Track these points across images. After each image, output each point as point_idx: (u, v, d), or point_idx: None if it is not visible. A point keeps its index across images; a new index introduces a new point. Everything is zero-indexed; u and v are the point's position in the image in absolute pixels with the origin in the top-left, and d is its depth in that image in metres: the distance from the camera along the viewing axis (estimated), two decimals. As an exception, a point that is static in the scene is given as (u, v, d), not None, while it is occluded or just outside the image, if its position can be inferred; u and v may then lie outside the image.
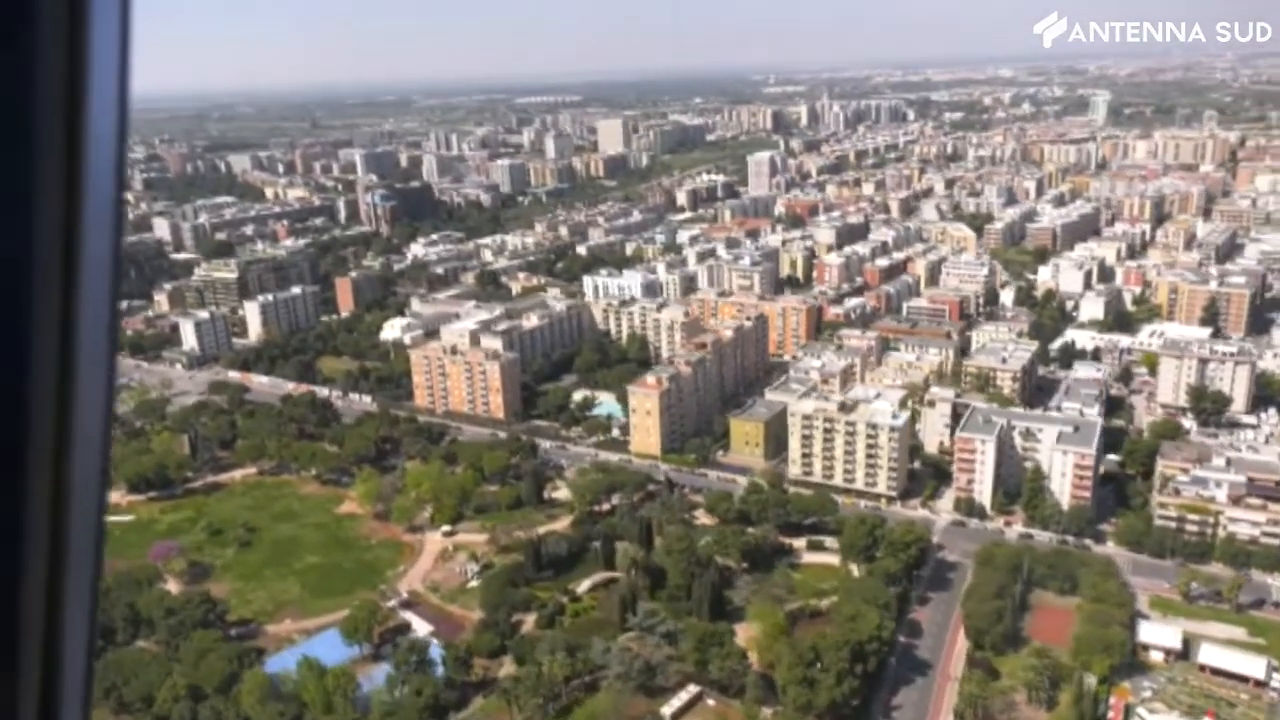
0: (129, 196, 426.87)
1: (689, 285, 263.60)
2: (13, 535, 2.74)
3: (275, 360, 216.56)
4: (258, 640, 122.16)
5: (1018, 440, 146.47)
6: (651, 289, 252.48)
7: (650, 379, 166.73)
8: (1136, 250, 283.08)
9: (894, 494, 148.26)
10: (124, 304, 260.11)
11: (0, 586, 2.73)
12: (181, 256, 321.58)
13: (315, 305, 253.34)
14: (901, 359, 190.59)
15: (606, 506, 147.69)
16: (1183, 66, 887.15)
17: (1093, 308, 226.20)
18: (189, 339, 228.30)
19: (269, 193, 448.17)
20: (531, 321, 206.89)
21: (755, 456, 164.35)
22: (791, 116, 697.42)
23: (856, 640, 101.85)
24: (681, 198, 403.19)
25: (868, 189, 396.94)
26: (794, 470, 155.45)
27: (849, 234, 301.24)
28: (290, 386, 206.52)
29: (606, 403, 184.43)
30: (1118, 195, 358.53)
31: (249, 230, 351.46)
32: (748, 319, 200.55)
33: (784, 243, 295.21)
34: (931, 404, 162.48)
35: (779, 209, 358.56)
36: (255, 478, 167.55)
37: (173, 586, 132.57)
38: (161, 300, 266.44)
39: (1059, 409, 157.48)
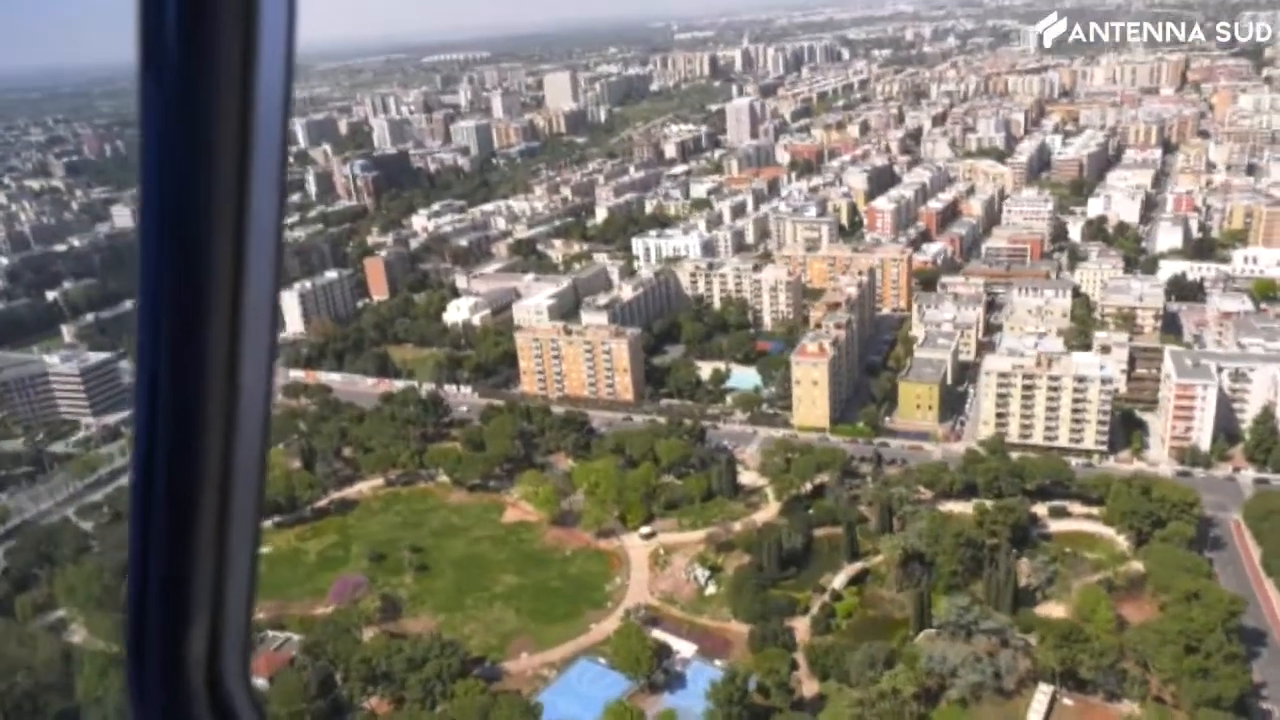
0: (60, 185, 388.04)
1: (739, 242, 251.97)
2: (185, 523, 2.80)
3: (342, 354, 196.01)
4: (503, 682, 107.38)
5: (1225, 382, 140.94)
6: (709, 248, 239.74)
7: (811, 345, 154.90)
8: (1162, 177, 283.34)
9: (1104, 449, 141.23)
10: (119, 307, 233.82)
11: (172, 572, 2.81)
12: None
13: (352, 290, 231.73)
14: (1027, 303, 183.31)
15: (807, 488, 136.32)
16: None
17: (1170, 237, 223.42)
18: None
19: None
20: (627, 292, 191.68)
21: (928, 420, 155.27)
22: (724, 62, 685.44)
23: (1230, 617, 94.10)
24: (670, 150, 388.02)
25: (852, 131, 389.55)
26: (984, 431, 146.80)
27: (876, 178, 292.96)
28: (370, 383, 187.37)
29: (741, 374, 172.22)
30: (1109, 122, 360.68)
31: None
32: (860, 274, 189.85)
33: (813, 189, 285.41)
34: (1106, 349, 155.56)
35: (783, 156, 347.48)
36: (385, 490, 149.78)
37: (367, 629, 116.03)
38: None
39: (1240, 345, 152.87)
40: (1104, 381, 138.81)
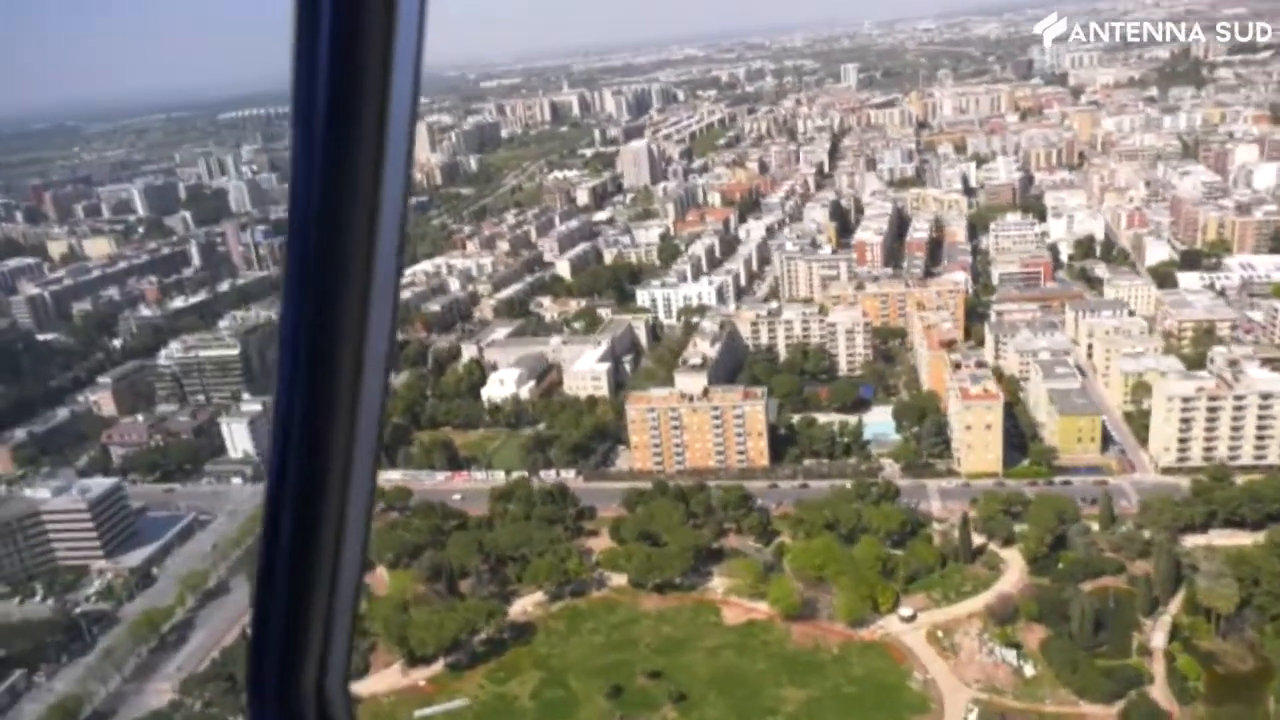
0: None
1: (740, 286, 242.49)
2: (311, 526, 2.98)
3: (388, 450, 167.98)
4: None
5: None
6: (722, 293, 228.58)
7: (975, 389, 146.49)
8: (1094, 195, 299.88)
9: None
10: (48, 416, 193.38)
11: (290, 608, 3.03)
12: (51, 337, 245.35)
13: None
14: (1101, 324, 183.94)
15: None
16: (845, 35, 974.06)
17: (1158, 251, 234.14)
18: (240, 442, 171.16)
19: (53, 249, 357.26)
20: (707, 348, 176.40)
21: (1090, 453, 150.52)
22: (561, 107, 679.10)
23: None
24: (582, 196, 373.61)
25: (752, 168, 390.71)
26: (1166, 458, 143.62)
27: (838, 213, 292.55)
28: (440, 478, 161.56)
29: (874, 424, 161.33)
30: (994, 148, 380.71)
31: (107, 295, 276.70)
32: (924, 308, 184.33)
33: (768, 229, 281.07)
34: (1234, 362, 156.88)
35: (713, 197, 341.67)
36: (555, 605, 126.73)
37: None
38: (103, 400, 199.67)
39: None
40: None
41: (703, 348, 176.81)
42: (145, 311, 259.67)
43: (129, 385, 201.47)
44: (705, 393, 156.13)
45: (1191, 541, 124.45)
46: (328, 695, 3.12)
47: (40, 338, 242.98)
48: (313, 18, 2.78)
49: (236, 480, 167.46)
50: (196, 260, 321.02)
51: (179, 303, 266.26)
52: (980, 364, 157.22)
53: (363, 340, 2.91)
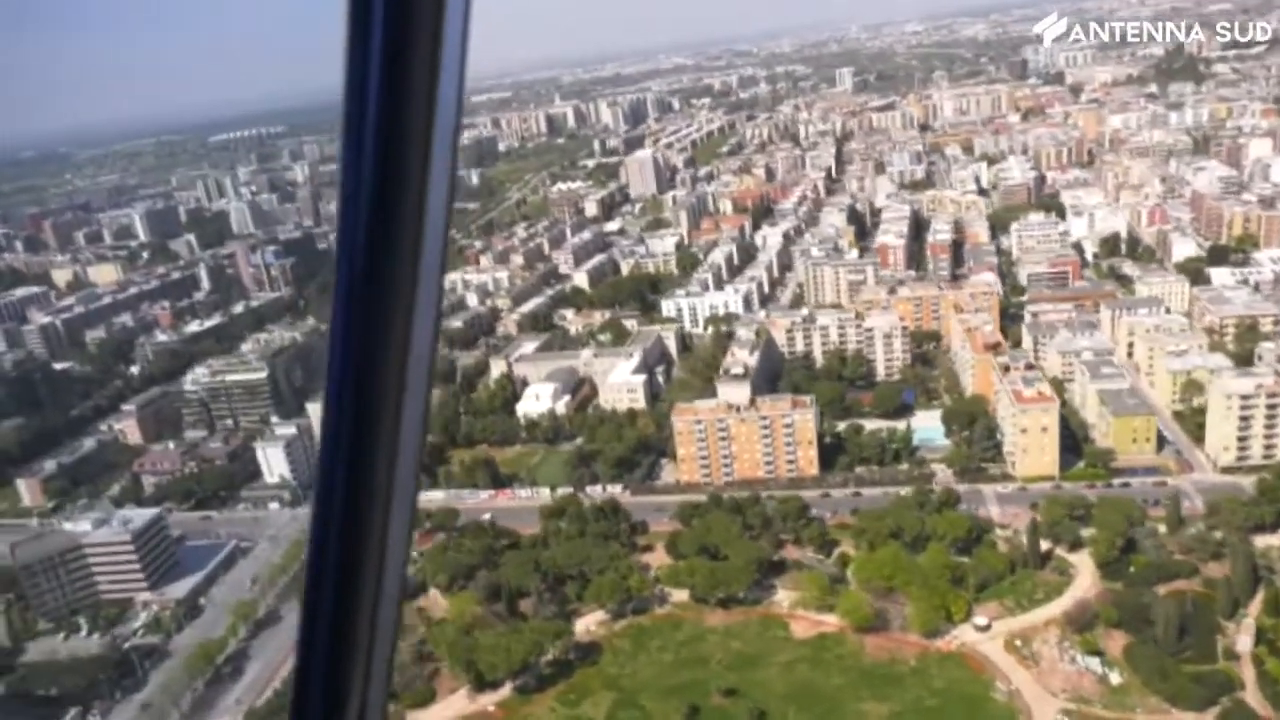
0: None
1: (763, 294, 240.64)
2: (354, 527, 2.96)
3: (426, 470, 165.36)
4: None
5: None
6: (748, 301, 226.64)
7: (1029, 392, 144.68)
8: (1109, 193, 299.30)
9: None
10: (75, 447, 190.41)
11: (335, 632, 2.99)
12: (67, 365, 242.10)
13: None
14: (1142, 323, 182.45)
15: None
16: (833, 39, 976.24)
17: (1184, 247, 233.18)
18: (277, 466, 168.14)
19: (58, 277, 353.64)
20: (747, 357, 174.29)
21: (1145, 453, 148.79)
22: (559, 120, 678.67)
23: None
24: (591, 208, 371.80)
25: (759, 174, 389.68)
26: (1226, 457, 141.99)
27: (854, 217, 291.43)
28: (484, 496, 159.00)
29: (922, 429, 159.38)
30: (1002, 148, 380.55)
31: (120, 321, 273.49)
32: (962, 311, 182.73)
33: (785, 235, 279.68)
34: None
35: (724, 204, 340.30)
36: (617, 624, 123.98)
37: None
38: (128, 428, 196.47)
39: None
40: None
41: (742, 356, 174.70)
42: (161, 336, 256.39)
43: (154, 412, 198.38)
44: (753, 402, 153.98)
45: (1263, 542, 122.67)
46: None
47: (56, 366, 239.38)
48: (364, 27, 2.78)
49: (274, 505, 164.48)
50: (206, 283, 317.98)
51: (194, 327, 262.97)
52: (1030, 366, 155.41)
53: (406, 354, 2.89)
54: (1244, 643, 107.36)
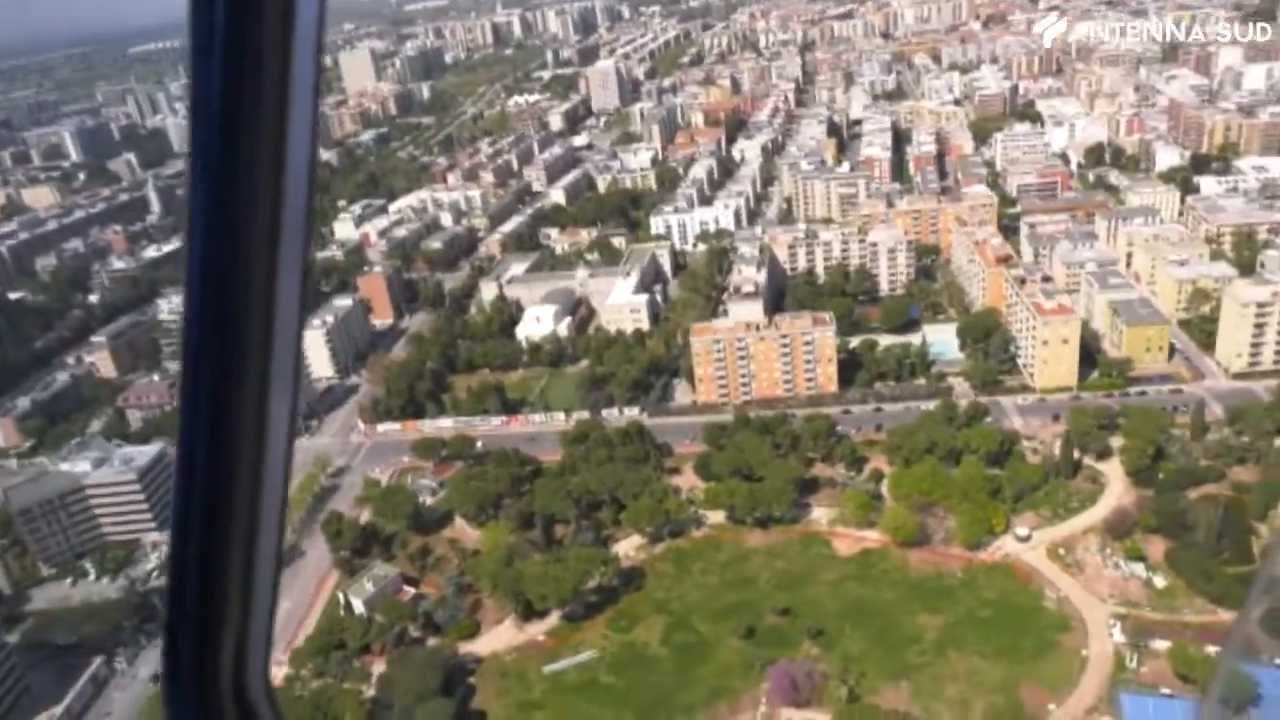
0: None
1: (750, 210, 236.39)
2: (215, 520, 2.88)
3: (431, 397, 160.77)
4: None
5: None
6: (738, 217, 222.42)
7: (1048, 303, 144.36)
8: (1083, 102, 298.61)
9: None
10: (47, 382, 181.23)
11: (204, 590, 2.92)
12: (18, 295, 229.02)
13: (365, 317, 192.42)
14: (1139, 232, 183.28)
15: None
16: None
17: (1168, 156, 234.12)
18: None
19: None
20: (754, 274, 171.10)
21: (1158, 362, 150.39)
22: (505, 29, 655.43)
23: None
24: (556, 121, 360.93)
25: (724, 85, 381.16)
26: (1238, 364, 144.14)
27: (832, 129, 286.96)
28: (496, 422, 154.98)
29: (934, 343, 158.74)
30: (970, 57, 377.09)
31: (70, 248, 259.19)
32: (966, 223, 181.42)
33: (764, 149, 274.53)
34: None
35: (695, 117, 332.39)
36: (657, 547, 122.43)
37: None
38: (100, 361, 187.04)
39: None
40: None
41: (750, 274, 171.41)
42: (118, 264, 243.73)
43: (126, 343, 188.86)
44: (771, 320, 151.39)
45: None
46: (246, 682, 3.02)
47: (10, 296, 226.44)
48: None
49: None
50: (157, 206, 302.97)
51: (152, 252, 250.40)
52: (1046, 278, 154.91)
53: (272, 304, 2.75)
54: None
